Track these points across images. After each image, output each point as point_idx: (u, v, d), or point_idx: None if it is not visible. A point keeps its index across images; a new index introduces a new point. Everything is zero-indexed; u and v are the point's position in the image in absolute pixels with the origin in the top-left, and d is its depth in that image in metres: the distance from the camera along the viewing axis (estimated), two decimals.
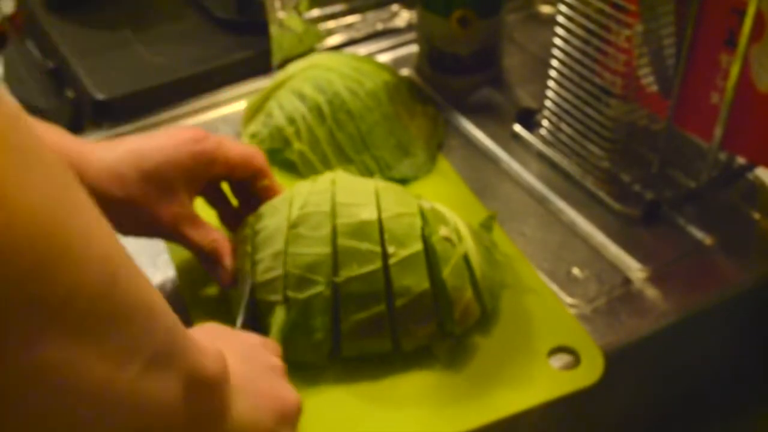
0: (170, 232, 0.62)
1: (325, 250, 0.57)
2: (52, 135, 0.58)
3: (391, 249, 0.57)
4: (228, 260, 0.62)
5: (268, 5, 0.90)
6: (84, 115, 0.87)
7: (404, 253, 0.57)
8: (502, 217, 0.73)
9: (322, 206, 0.59)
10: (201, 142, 0.62)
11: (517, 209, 0.75)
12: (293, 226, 0.59)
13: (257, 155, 0.65)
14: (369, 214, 0.58)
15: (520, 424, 0.58)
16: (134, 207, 0.59)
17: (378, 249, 0.57)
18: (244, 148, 0.65)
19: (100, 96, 0.85)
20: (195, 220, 0.62)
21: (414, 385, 0.59)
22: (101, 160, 0.58)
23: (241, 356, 0.49)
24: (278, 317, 0.58)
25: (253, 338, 0.55)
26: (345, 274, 0.57)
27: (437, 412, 0.58)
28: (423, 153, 0.78)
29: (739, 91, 0.66)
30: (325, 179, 0.63)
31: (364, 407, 0.58)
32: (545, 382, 0.59)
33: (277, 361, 0.54)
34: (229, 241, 0.63)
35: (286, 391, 0.52)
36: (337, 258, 0.57)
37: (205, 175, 0.63)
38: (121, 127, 0.85)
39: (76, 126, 0.87)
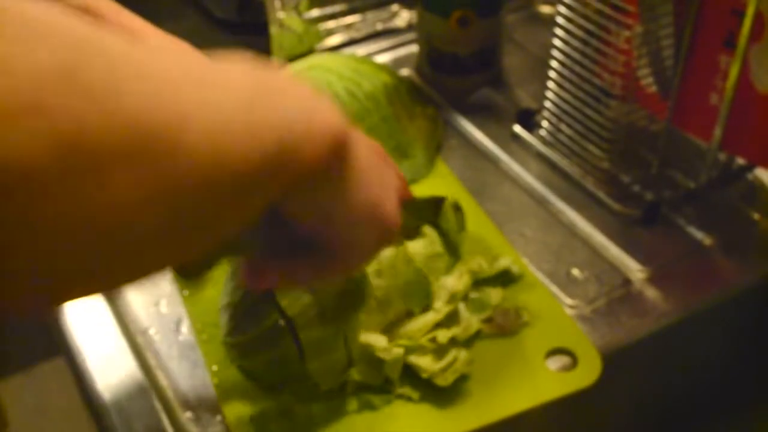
0: None
1: None
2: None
3: None
4: None
5: (268, 5, 0.90)
6: None
7: None
8: (501, 218, 0.73)
9: None
10: None
11: (516, 210, 0.75)
12: None
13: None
14: None
15: (518, 426, 0.58)
16: None
17: None
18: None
19: None
20: None
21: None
22: None
23: (366, 151, 0.45)
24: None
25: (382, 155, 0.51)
26: None
27: (436, 413, 0.58)
28: (422, 155, 0.78)
29: (739, 91, 0.66)
30: None
31: (363, 407, 0.58)
32: (543, 383, 0.59)
33: (399, 185, 0.51)
34: None
35: (392, 206, 0.47)
36: None
37: None
38: None
39: None
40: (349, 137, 0.41)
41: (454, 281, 0.63)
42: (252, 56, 0.40)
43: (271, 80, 0.37)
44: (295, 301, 0.57)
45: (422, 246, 0.62)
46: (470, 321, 0.61)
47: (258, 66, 0.38)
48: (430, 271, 0.61)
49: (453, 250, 0.65)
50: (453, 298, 0.61)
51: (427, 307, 0.61)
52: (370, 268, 0.60)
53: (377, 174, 0.46)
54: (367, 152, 0.45)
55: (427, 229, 0.64)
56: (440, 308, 0.61)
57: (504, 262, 0.66)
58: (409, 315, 0.61)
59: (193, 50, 0.36)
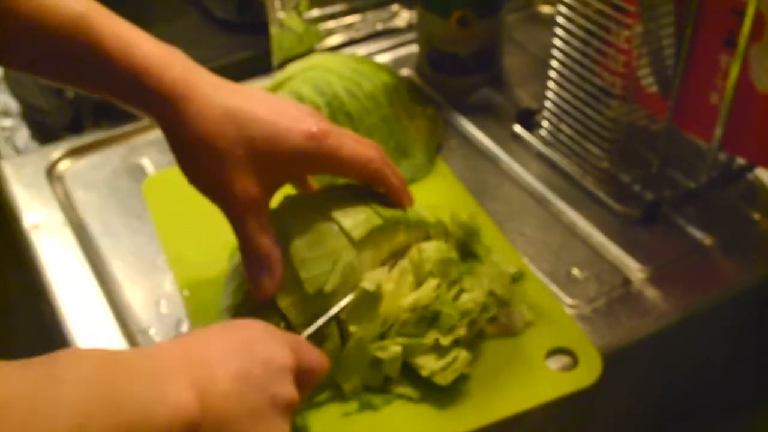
0: (234, 211, 0.56)
1: None
2: (170, 58, 0.56)
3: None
4: (279, 270, 0.56)
5: (268, 5, 0.90)
6: (84, 115, 0.87)
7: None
8: (502, 218, 0.73)
9: None
10: (320, 140, 0.55)
11: (516, 210, 0.75)
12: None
13: (372, 162, 0.58)
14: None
15: (518, 426, 0.58)
16: (216, 163, 0.54)
17: None
18: (359, 151, 0.58)
19: None
20: (264, 212, 0.56)
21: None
22: (209, 101, 0.54)
23: (234, 372, 0.44)
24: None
25: (258, 330, 0.48)
26: None
27: (436, 413, 0.58)
28: (422, 155, 0.78)
29: (739, 91, 0.66)
30: None
31: (363, 407, 0.58)
32: (543, 383, 0.59)
33: (286, 360, 0.47)
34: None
35: (275, 425, 0.46)
36: None
37: (305, 171, 0.59)
38: (121, 127, 0.85)
39: (76, 126, 0.87)
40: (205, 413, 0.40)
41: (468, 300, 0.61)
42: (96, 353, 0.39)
43: (109, 388, 0.37)
44: (296, 305, 0.57)
45: (436, 249, 0.61)
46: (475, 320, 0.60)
47: (97, 371, 0.38)
48: (441, 276, 0.61)
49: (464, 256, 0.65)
50: (465, 315, 0.60)
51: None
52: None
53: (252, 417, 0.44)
54: (237, 400, 0.43)
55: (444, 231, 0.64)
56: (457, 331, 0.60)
57: (510, 270, 0.66)
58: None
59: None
